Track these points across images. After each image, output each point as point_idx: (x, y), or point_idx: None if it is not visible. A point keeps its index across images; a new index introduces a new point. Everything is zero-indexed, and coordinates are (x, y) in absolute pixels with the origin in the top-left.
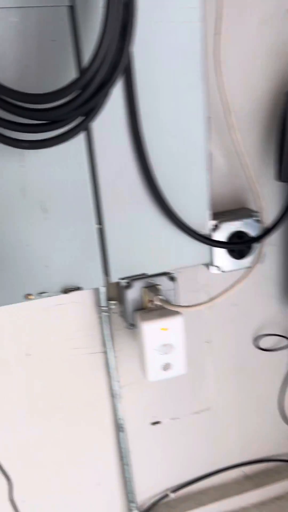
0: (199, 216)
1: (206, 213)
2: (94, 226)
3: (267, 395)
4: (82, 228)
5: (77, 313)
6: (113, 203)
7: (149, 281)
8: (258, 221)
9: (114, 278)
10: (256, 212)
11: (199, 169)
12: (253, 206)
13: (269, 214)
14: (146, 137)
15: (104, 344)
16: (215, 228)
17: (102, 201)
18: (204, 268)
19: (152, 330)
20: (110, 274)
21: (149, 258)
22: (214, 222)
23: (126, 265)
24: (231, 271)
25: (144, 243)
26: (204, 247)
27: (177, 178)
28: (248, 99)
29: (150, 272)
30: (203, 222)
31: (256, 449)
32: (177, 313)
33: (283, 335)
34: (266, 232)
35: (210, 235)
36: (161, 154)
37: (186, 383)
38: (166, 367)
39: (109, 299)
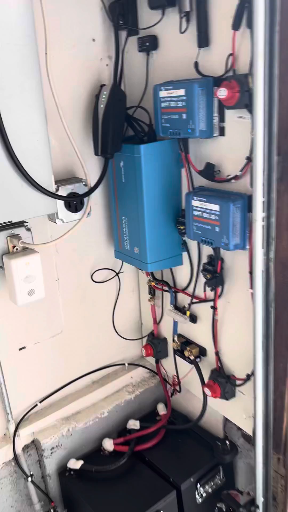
0: (46, 180)
1: (51, 177)
2: None
3: (103, 317)
4: None
5: None
6: None
7: (11, 232)
8: (85, 185)
9: None
10: (83, 179)
11: (43, 147)
12: (80, 175)
13: (92, 179)
14: (7, 126)
15: None
16: (57, 189)
17: None
18: (51, 223)
19: (19, 265)
20: None
21: (14, 209)
22: (55, 186)
23: None
24: (69, 221)
25: (10, 200)
26: (52, 201)
27: (30, 153)
28: (71, 98)
29: (14, 220)
30: (49, 184)
31: (99, 360)
32: (35, 251)
33: (110, 268)
34: (90, 190)
35: (55, 192)
36: (19, 140)
37: (42, 314)
38: (31, 292)
39: None
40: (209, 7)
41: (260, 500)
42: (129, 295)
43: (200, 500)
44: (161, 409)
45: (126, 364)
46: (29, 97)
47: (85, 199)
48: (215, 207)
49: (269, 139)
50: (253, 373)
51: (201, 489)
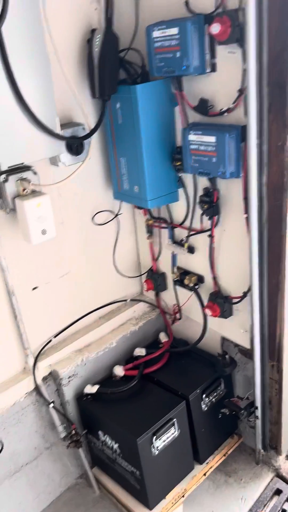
0: (53, 123)
1: (57, 120)
2: None
3: (105, 257)
4: None
5: None
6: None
7: (20, 176)
8: (83, 128)
9: (4, 166)
10: (81, 123)
11: (48, 91)
12: (77, 120)
13: (90, 123)
14: (16, 72)
15: None
16: None
17: None
18: (53, 167)
19: (31, 206)
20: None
21: (25, 152)
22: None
23: (12, 156)
24: (71, 164)
25: (21, 143)
26: (58, 143)
27: (37, 97)
28: (64, 43)
29: (26, 162)
30: (55, 126)
31: (103, 297)
32: (44, 193)
33: (109, 210)
34: (91, 131)
35: (61, 134)
36: (27, 85)
37: (51, 256)
38: (43, 232)
39: None
40: None
41: (258, 402)
42: (127, 236)
43: (205, 408)
44: (163, 337)
45: (128, 300)
46: (33, 41)
47: (85, 142)
48: (211, 139)
49: (259, 70)
50: (249, 289)
51: (206, 399)
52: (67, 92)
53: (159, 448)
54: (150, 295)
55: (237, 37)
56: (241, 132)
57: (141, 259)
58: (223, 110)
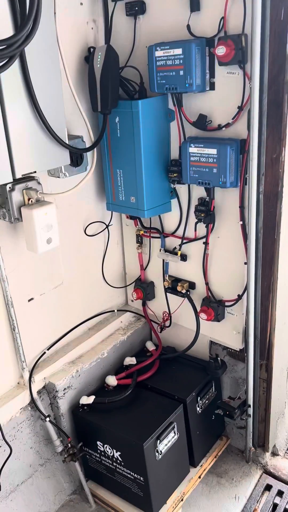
0: (62, 133)
1: (65, 131)
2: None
3: (94, 268)
4: None
5: None
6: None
7: (26, 185)
8: (83, 141)
9: (18, 174)
10: (80, 136)
11: (60, 103)
12: (76, 132)
13: (92, 135)
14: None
15: None
16: None
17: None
18: (53, 178)
19: (39, 215)
20: (15, 171)
21: (39, 160)
22: None
23: (26, 164)
24: (71, 175)
25: (35, 152)
26: (66, 153)
27: (51, 109)
28: (73, 60)
29: (38, 170)
30: (64, 137)
31: (92, 308)
32: (50, 202)
33: (100, 220)
34: (94, 144)
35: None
36: (42, 95)
37: (46, 266)
38: (49, 241)
39: None
40: None
41: (251, 400)
42: (115, 247)
43: (199, 411)
44: (150, 345)
45: (116, 310)
46: (49, 57)
47: (85, 154)
48: (213, 151)
49: (260, 89)
50: (245, 292)
51: (200, 402)
52: (66, 106)
53: (162, 452)
54: (135, 305)
55: (239, 59)
56: (240, 145)
57: (127, 269)
58: (222, 125)
